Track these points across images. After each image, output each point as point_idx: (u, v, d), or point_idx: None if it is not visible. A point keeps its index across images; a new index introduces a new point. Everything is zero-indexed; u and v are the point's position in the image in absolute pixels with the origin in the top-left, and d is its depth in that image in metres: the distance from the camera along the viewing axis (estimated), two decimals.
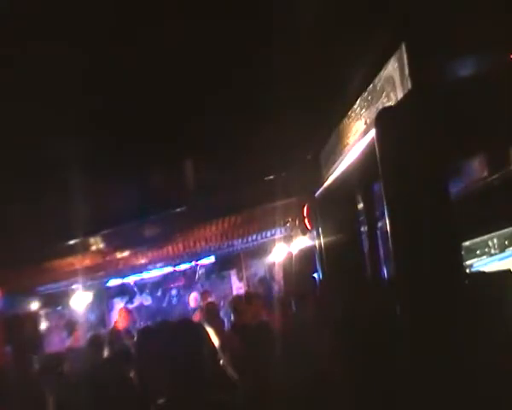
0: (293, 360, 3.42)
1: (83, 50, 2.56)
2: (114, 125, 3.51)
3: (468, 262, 4.75)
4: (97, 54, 2.63)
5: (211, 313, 6.79)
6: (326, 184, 4.17)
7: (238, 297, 8.41)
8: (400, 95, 2.62)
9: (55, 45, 2.45)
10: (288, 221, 8.05)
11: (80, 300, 10.00)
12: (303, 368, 3.42)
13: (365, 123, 3.15)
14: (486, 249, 4.91)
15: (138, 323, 10.77)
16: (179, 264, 10.28)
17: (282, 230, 8.80)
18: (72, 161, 3.72)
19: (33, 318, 9.23)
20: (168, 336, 3.09)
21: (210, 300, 9.48)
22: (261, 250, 10.54)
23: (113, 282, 10.34)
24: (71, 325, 8.83)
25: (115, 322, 8.94)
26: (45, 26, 2.31)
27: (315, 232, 4.70)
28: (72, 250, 6.96)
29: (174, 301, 11.87)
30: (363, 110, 3.19)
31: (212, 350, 4.14)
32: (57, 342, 9.71)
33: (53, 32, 2.38)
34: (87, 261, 7.92)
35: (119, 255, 8.35)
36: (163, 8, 2.37)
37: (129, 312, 9.21)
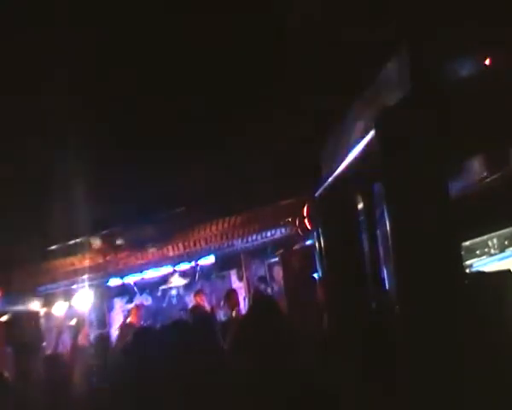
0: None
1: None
2: (115, 126, 3.51)
3: (468, 262, 4.74)
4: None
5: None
6: (326, 184, 4.17)
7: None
8: (400, 95, 2.62)
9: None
10: (288, 221, 8.05)
11: (80, 300, 9.99)
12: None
13: (365, 123, 3.15)
14: (486, 249, 4.91)
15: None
16: (179, 264, 10.26)
17: (282, 230, 8.79)
18: (72, 161, 3.72)
19: (33, 318, 9.22)
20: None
21: (203, 299, 9.47)
22: (261, 250, 10.53)
23: (113, 282, 10.32)
24: (77, 324, 8.83)
25: (131, 319, 9.05)
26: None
27: (315, 232, 4.70)
28: (72, 250, 6.97)
29: (174, 301, 11.85)
30: (363, 110, 3.19)
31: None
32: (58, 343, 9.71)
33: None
34: (87, 261, 7.92)
35: (119, 255, 8.35)
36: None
37: (140, 309, 9.46)
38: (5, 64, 2.54)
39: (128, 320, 9.26)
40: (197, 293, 9.83)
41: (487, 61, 2.56)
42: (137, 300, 11.57)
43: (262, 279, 10.61)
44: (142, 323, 9.31)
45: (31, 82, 2.73)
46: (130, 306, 11.19)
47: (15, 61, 2.59)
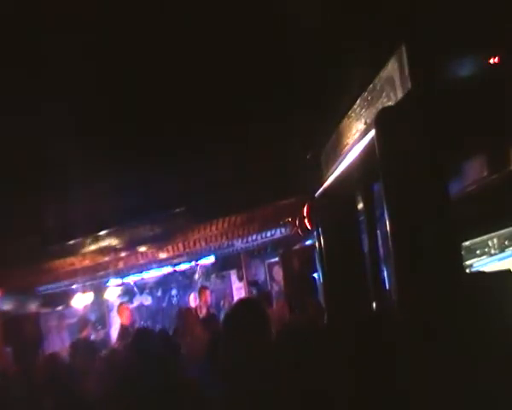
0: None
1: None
2: (114, 125, 3.51)
3: (468, 262, 4.74)
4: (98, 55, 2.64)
5: (190, 321, 6.74)
6: (326, 184, 4.17)
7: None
8: (400, 95, 2.62)
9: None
10: (288, 221, 8.05)
11: (80, 300, 10.00)
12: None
13: (365, 123, 3.15)
14: (486, 249, 4.90)
15: (138, 323, 10.76)
16: (179, 264, 10.27)
17: (282, 230, 8.80)
18: (71, 160, 3.72)
19: (33, 318, 9.22)
20: None
21: (207, 295, 9.41)
22: (261, 250, 10.53)
23: (113, 282, 10.33)
24: (82, 323, 8.83)
25: (121, 320, 8.97)
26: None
27: (315, 232, 4.70)
28: (72, 250, 6.97)
29: (174, 301, 11.85)
30: (363, 110, 3.19)
31: None
32: (58, 343, 9.72)
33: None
34: (87, 261, 7.92)
35: (119, 255, 8.35)
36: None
37: (128, 308, 9.36)
38: None
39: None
40: (201, 290, 9.75)
41: (494, 60, 2.56)
42: (137, 300, 11.59)
43: (253, 283, 10.56)
44: (131, 323, 9.17)
45: (29, 77, 2.73)
46: (131, 306, 11.23)
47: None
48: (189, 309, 8.23)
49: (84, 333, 8.37)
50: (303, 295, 6.33)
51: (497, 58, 2.55)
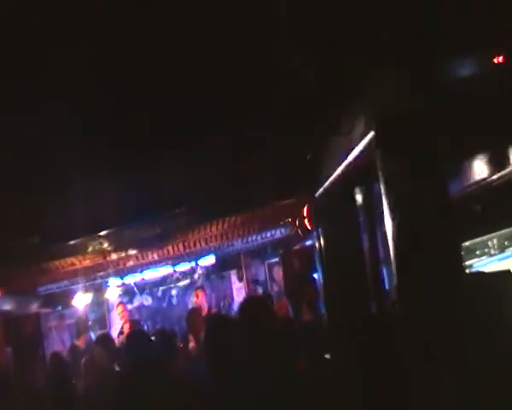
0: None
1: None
2: (115, 125, 3.52)
3: (468, 262, 4.75)
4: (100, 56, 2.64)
5: (194, 319, 6.74)
6: (326, 184, 4.17)
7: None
8: (400, 95, 2.62)
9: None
10: (288, 221, 8.05)
11: (80, 300, 9.99)
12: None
13: (365, 123, 3.15)
14: (486, 250, 4.91)
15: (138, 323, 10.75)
16: (179, 264, 10.25)
17: (282, 230, 8.79)
18: (72, 161, 3.73)
19: (33, 318, 9.21)
20: None
21: (201, 296, 9.42)
22: (261, 250, 10.52)
23: (113, 282, 10.32)
24: (81, 325, 8.80)
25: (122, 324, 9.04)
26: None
27: (315, 232, 4.70)
28: (72, 250, 6.96)
29: (174, 301, 11.84)
30: (364, 110, 3.19)
31: None
32: (58, 343, 9.71)
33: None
34: (87, 261, 7.91)
35: (119, 255, 8.34)
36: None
37: (126, 307, 9.47)
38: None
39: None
40: (197, 290, 9.78)
41: (498, 59, 2.57)
42: (137, 300, 11.58)
43: (256, 282, 10.54)
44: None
45: (30, 79, 2.73)
46: (131, 306, 11.23)
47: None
48: (197, 309, 8.27)
49: (82, 338, 8.33)
50: (302, 296, 6.33)
51: (501, 58, 2.55)
